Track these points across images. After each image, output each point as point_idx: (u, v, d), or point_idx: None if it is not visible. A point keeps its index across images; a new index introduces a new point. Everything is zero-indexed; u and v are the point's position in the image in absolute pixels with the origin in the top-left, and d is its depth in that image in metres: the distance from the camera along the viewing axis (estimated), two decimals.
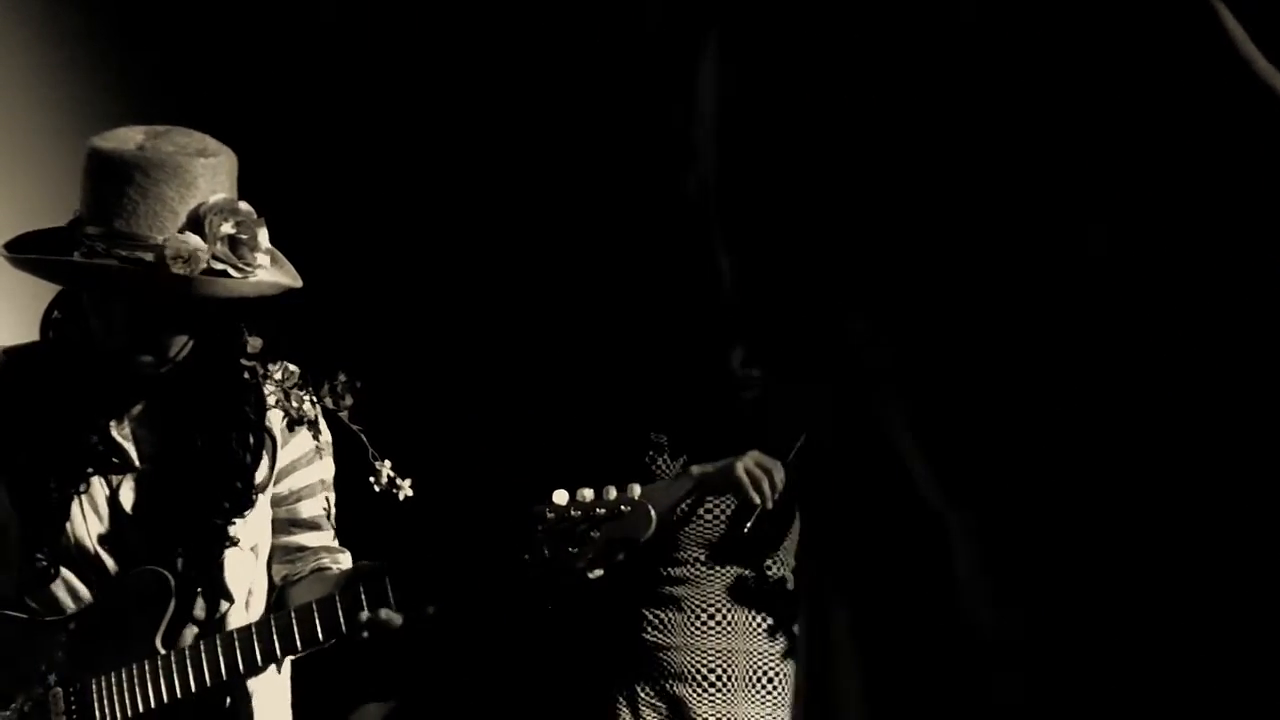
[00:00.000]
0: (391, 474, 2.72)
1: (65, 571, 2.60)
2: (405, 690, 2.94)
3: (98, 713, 2.55)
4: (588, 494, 2.63)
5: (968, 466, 0.95)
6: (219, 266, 2.47)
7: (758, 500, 3.29)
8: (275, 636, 2.55)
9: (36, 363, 2.64)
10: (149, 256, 2.45)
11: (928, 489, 0.96)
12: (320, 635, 2.54)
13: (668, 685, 3.49)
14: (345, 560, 2.80)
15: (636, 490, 2.66)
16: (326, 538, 2.78)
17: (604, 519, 2.61)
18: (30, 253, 2.57)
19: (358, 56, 4.48)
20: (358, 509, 2.85)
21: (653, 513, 2.64)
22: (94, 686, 2.56)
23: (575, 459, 3.56)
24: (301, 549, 2.76)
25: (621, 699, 3.49)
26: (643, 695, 3.49)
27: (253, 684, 2.67)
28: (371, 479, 2.73)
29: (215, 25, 4.41)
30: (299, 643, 2.55)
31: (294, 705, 2.82)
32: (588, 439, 3.63)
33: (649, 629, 3.52)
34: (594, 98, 4.42)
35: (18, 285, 3.67)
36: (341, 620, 2.52)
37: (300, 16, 4.44)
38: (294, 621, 2.55)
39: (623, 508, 2.62)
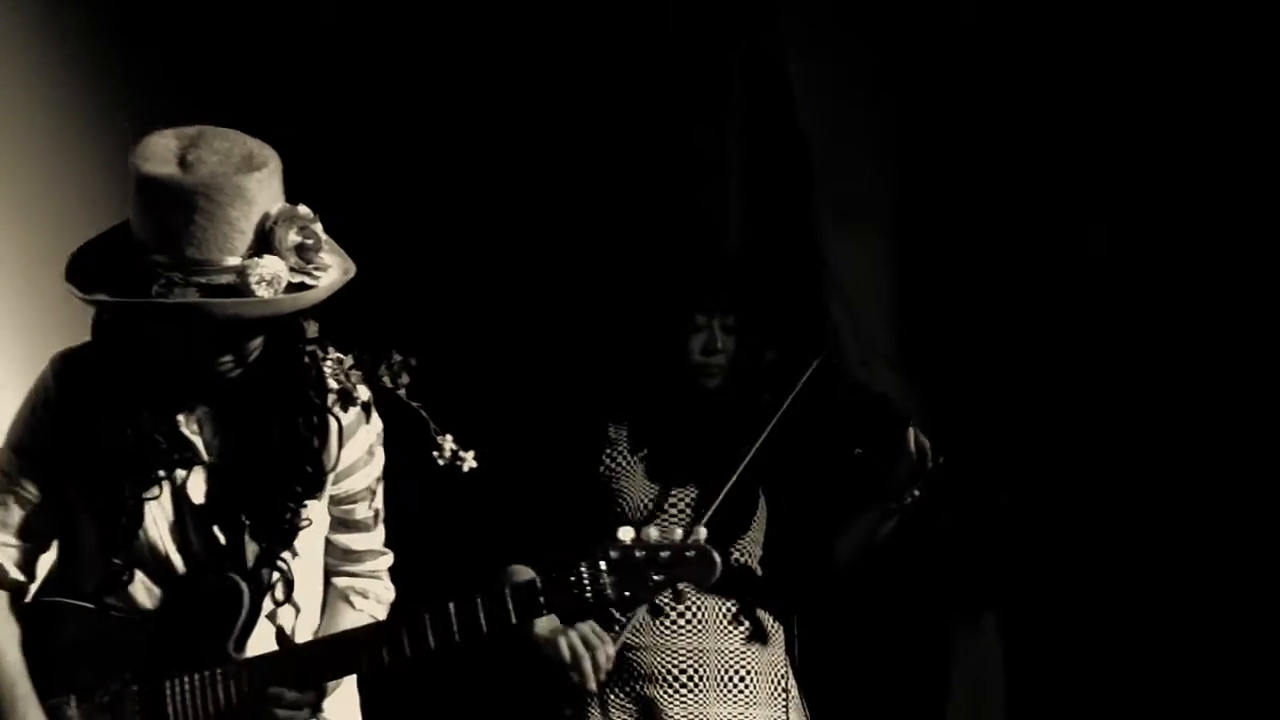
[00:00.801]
0: (454, 447, 2.78)
1: (139, 572, 2.70)
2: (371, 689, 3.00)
3: (170, 713, 2.64)
4: (653, 534, 2.69)
5: None
6: (296, 280, 2.55)
7: (575, 680, 3.30)
8: (343, 654, 2.69)
9: (96, 365, 2.68)
10: (227, 279, 2.51)
11: None
12: (386, 659, 2.66)
13: (638, 686, 3.45)
14: (383, 569, 2.93)
15: (702, 534, 2.71)
16: (374, 540, 2.90)
17: (668, 562, 2.67)
18: (102, 291, 2.57)
19: (362, 46, 4.48)
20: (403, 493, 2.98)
21: (717, 558, 2.69)
22: (167, 687, 2.65)
23: (530, 453, 3.55)
24: (348, 551, 2.88)
25: (592, 701, 3.45)
26: (613, 697, 3.45)
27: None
28: (435, 453, 2.80)
29: (218, 22, 4.41)
30: (364, 665, 2.68)
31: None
32: (543, 431, 3.61)
33: (618, 628, 3.49)
34: (577, 99, 4.43)
35: (14, 282, 3.67)
36: (407, 647, 2.65)
37: (299, 12, 4.43)
38: (359, 643, 2.69)
39: (688, 553, 2.68)
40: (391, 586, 2.95)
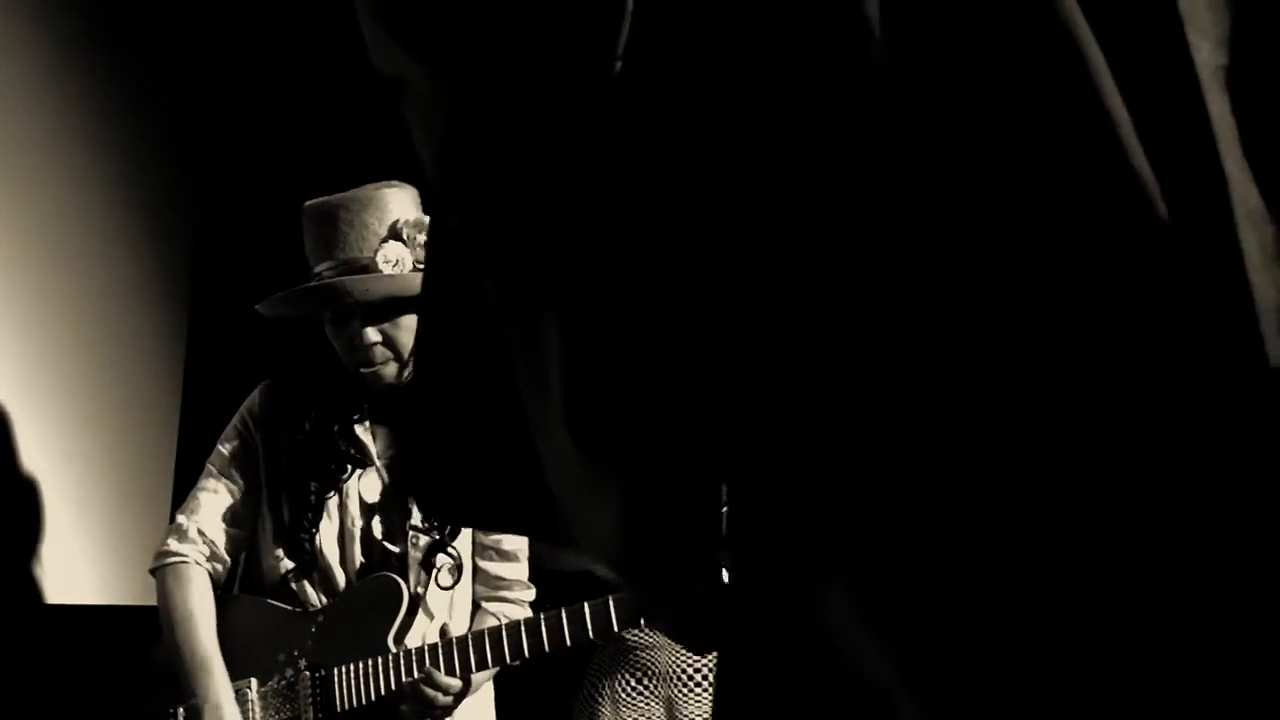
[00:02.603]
0: None
1: (314, 568, 3.08)
2: None
3: (337, 697, 2.98)
4: None
5: (930, 642, 0.88)
6: (422, 268, 2.88)
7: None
8: (488, 648, 2.97)
9: (292, 385, 3.18)
10: (361, 266, 2.97)
11: (878, 670, 0.89)
12: (527, 651, 2.97)
13: (653, 685, 3.47)
14: (527, 600, 3.21)
15: None
16: (521, 571, 3.21)
17: None
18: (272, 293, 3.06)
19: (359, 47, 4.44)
20: None
21: None
22: (335, 674, 2.99)
23: None
24: (498, 579, 3.19)
25: (603, 698, 3.48)
26: (626, 696, 3.47)
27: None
28: None
29: (219, 23, 4.40)
30: (508, 657, 2.99)
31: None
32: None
33: (630, 629, 3.46)
34: None
35: (17, 288, 3.66)
36: (545, 643, 2.95)
37: (299, 13, 4.43)
38: (504, 637, 2.98)
39: None
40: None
